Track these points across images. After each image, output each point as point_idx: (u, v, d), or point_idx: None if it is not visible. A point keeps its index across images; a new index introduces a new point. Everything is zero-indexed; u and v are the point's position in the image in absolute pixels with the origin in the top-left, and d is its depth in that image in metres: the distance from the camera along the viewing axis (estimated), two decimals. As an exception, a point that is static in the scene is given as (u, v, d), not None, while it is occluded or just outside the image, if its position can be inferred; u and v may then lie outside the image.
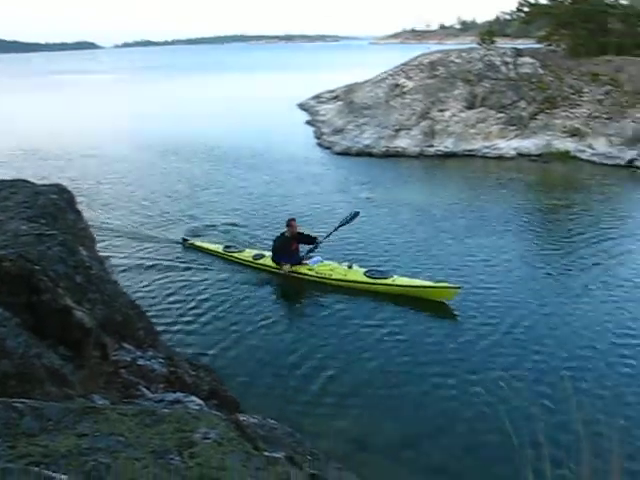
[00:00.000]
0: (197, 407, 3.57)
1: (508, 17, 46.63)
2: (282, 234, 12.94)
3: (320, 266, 12.65)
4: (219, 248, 14.14)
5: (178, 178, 22.03)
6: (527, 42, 47.18)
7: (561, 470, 3.17)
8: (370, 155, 26.13)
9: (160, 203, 18.58)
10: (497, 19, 64.97)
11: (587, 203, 18.79)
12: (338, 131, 29.58)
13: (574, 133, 26.20)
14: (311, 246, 13.05)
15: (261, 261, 13.37)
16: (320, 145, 28.37)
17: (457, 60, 32.07)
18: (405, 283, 11.84)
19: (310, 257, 12.89)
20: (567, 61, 31.22)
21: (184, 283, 12.51)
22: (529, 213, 18.13)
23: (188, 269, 13.29)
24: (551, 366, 9.18)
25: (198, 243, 14.57)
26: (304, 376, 9.00)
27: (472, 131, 27.44)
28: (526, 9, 36.94)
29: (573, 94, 28.49)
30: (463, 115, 28.31)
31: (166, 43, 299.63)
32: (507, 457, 5.95)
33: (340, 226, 13.45)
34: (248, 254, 13.71)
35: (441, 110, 28.84)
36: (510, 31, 58.22)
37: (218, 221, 16.72)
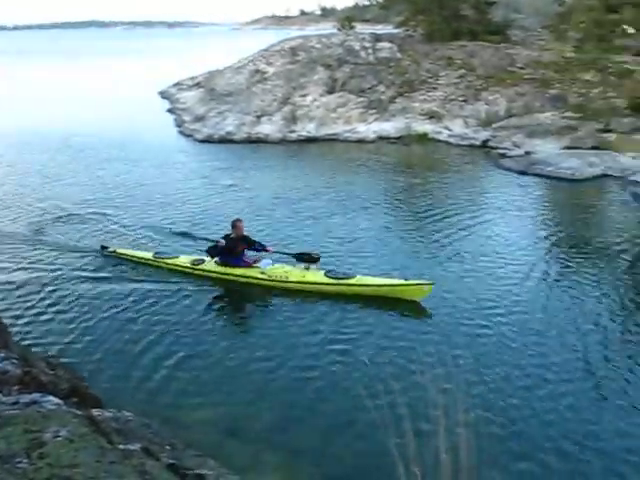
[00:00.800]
0: (54, 407, 3.25)
1: (367, 3, 47.31)
2: (227, 235, 11.78)
3: (273, 269, 11.56)
4: (148, 255, 12.65)
5: (26, 170, 20.73)
6: (386, 27, 48.07)
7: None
8: (232, 142, 25.71)
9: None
10: (356, 5, 66.17)
11: (444, 181, 19.40)
12: (200, 118, 28.92)
13: (432, 115, 26.83)
14: (258, 251, 12.03)
15: (202, 266, 12.06)
16: (182, 133, 27.68)
17: (317, 45, 32.16)
18: (372, 282, 11.03)
19: (259, 260, 11.80)
20: (424, 46, 32.02)
21: (101, 294, 11.26)
22: (389, 193, 18.51)
23: (105, 279, 11.95)
24: (403, 338, 9.30)
25: (122, 251, 12.96)
26: (180, 369, 8.75)
27: (333, 115, 27.54)
28: (383, -5, 37.55)
29: (430, 78, 29.18)
30: (324, 100, 28.37)
31: (16, 28, 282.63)
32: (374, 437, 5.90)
33: (293, 255, 11.92)
34: (185, 260, 12.31)
35: (302, 95, 28.78)
36: (369, 17, 59.20)
37: (76, 214, 15.81)
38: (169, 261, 12.39)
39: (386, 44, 31.77)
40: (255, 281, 11.56)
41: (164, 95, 37.99)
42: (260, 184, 18.73)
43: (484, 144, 24.26)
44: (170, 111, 32.82)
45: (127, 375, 8.54)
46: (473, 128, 25.60)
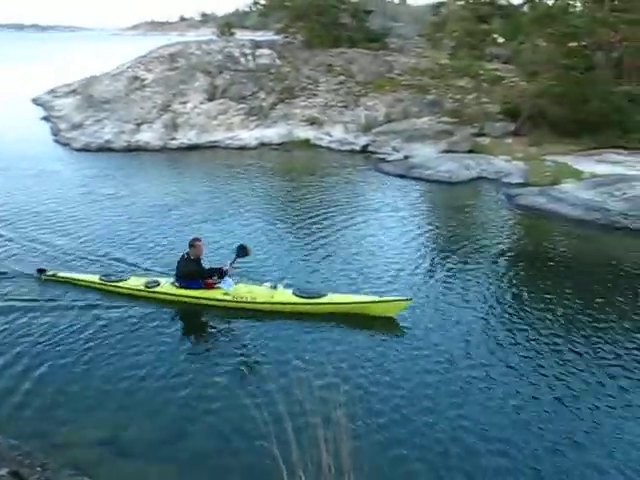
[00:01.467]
0: None
1: (247, 9, 47.15)
2: (184, 256, 10.85)
3: (237, 289, 10.75)
4: (94, 278, 11.53)
5: None
6: (266, 34, 48.09)
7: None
8: (111, 150, 24.81)
9: None
10: (236, 11, 65.90)
11: (325, 186, 19.48)
12: (77, 126, 27.77)
13: (313, 121, 26.96)
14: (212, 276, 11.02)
15: (158, 289, 11.02)
16: (58, 142, 26.41)
17: (197, 52, 31.70)
18: (344, 300, 10.59)
19: (219, 280, 10.87)
20: (304, 52, 32.20)
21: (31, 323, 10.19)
22: (269, 198, 18.46)
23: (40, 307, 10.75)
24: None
25: (63, 274, 11.74)
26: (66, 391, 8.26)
27: (214, 123, 27.18)
28: (263, 2, 37.51)
29: (310, 84, 29.36)
30: (204, 107, 27.95)
31: None
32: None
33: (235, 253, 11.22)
34: (137, 282, 11.27)
35: (182, 102, 28.23)
36: (249, 23, 59.07)
37: None
38: (119, 284, 11.30)
39: (266, 51, 31.74)
40: (218, 303, 10.74)
41: (38, 102, 36.29)
42: (138, 192, 18.14)
43: (364, 149, 24.61)
44: (45, 119, 31.35)
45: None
46: (353, 133, 25.91)
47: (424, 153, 22.73)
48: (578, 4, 28.80)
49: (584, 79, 22.70)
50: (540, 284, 12.15)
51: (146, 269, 12.11)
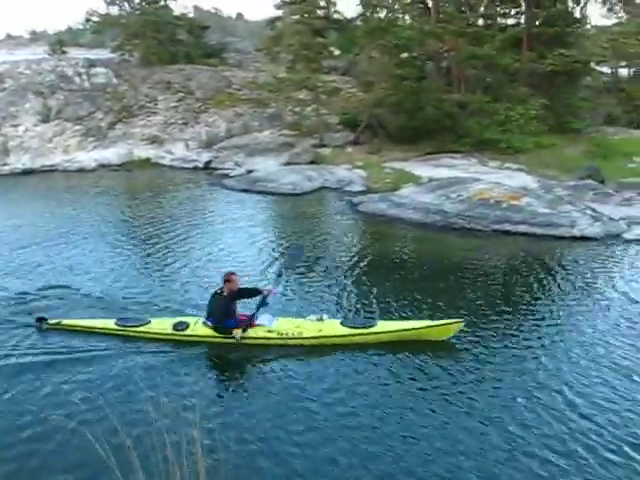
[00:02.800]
0: None
1: (81, 27, 45.39)
2: (217, 293, 9.87)
3: (280, 324, 9.93)
4: (108, 323, 10.29)
5: None
6: (102, 52, 46.50)
7: None
8: None
9: None
10: (69, 29, 63.36)
11: (168, 205, 19.00)
12: None
13: (153, 140, 26.33)
14: (258, 299, 10.02)
15: (188, 332, 9.95)
16: None
17: (27, 71, 30.00)
18: (397, 327, 10.06)
19: (258, 316, 9.88)
20: (141, 70, 31.35)
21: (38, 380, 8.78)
22: (112, 220, 17.60)
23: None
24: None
25: (69, 322, 10.42)
26: None
27: (50, 145, 25.88)
28: (95, 19, 36.24)
29: (149, 102, 28.66)
30: (38, 129, 26.55)
31: None
32: None
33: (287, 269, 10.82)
34: (162, 325, 10.14)
35: (14, 125, 26.64)
36: (84, 41, 56.90)
37: None
38: (141, 328, 10.11)
39: (101, 69, 30.59)
40: (261, 341, 9.81)
41: None
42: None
43: (207, 165, 24.29)
44: None
45: None
46: (195, 150, 25.54)
47: (267, 166, 22.73)
48: (407, 17, 30.01)
49: (417, 88, 23.61)
50: (388, 285, 12.36)
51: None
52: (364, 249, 14.97)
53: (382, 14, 26.32)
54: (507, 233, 16.02)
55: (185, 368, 9.06)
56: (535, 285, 12.59)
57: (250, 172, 22.40)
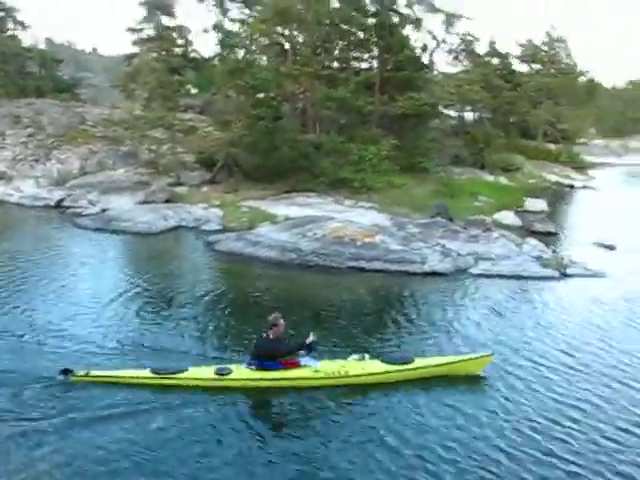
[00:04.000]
0: None
1: None
2: (263, 336, 9.83)
3: (325, 365, 9.99)
4: (143, 372, 9.64)
5: None
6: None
7: None
8: None
9: None
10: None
11: (15, 248, 17.86)
12: None
13: (1, 177, 25.07)
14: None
15: (234, 375, 9.65)
16: None
17: None
18: (434, 363, 10.41)
19: (298, 358, 9.93)
20: (-13, 103, 29.94)
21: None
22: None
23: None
24: None
25: (98, 373, 9.63)
26: None
27: None
28: None
29: (-4, 137, 27.36)
30: None
31: None
32: None
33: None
34: (203, 371, 9.77)
35: None
36: None
37: None
38: (179, 375, 9.63)
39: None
40: (307, 382, 9.79)
41: None
42: None
43: (59, 204, 23.37)
44: None
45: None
46: (47, 188, 24.57)
47: (121, 205, 22.21)
48: (265, 58, 30.51)
49: (273, 128, 23.90)
50: (245, 323, 12.21)
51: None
52: (220, 288, 14.85)
53: (240, 55, 26.57)
54: (362, 270, 16.41)
55: (236, 415, 8.86)
56: (387, 319, 12.98)
57: (104, 211, 21.79)
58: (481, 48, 42.02)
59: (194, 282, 15.20)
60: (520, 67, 47.39)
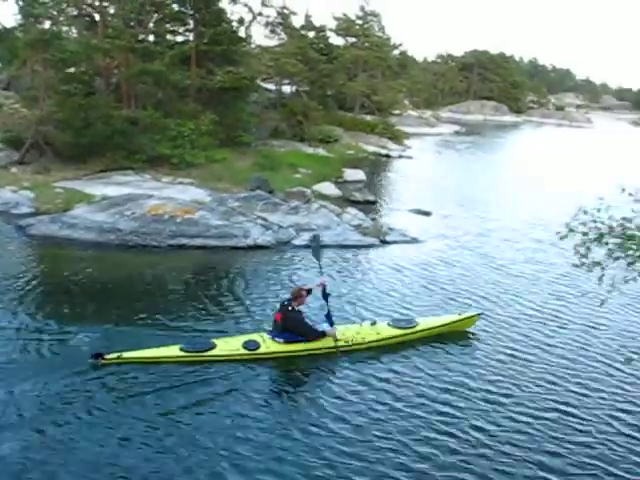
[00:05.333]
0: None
1: None
2: (290, 309, 10.48)
3: (344, 333, 10.85)
4: (173, 351, 10.01)
5: None
6: None
7: None
8: None
9: None
10: None
11: None
12: None
13: None
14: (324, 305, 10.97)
15: (262, 349, 10.28)
16: None
17: None
18: (436, 323, 11.73)
19: (321, 326, 10.75)
20: None
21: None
22: None
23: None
24: None
25: (129, 355, 9.80)
26: None
27: None
28: None
29: None
30: None
31: None
32: None
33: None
34: (231, 346, 10.23)
35: None
36: None
37: None
38: (210, 352, 10.04)
39: None
40: (330, 350, 10.56)
41: None
42: None
43: None
44: None
45: None
46: None
47: None
48: (74, 30, 29.14)
49: (85, 104, 22.91)
50: (64, 310, 11.91)
51: None
52: (34, 274, 14.12)
53: (45, 25, 25.10)
54: (183, 247, 16.40)
55: (266, 385, 9.79)
56: (211, 295, 13.17)
57: None
58: (298, 21, 42.63)
59: (3, 269, 14.39)
60: (336, 40, 48.45)
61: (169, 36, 30.81)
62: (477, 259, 17.03)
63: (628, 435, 8.73)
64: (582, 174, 35.15)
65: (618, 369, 10.71)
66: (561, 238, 7.44)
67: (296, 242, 17.35)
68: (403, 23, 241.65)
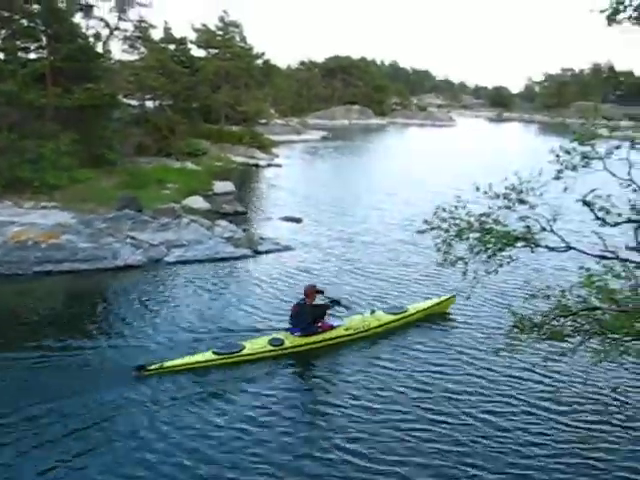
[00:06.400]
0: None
1: None
2: (305, 304, 11.88)
3: (350, 323, 12.34)
4: (207, 355, 10.94)
5: None
6: None
7: None
8: None
9: None
10: None
11: None
12: None
13: None
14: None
15: (286, 345, 11.52)
16: None
17: None
18: (422, 307, 13.42)
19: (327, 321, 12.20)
20: None
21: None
22: None
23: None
24: None
25: (170, 364, 10.63)
26: None
27: None
28: None
29: None
30: None
31: None
32: None
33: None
34: (259, 345, 11.38)
35: None
36: None
37: None
38: (240, 353, 11.10)
39: None
40: (343, 339, 12.03)
41: None
42: None
43: None
44: None
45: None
46: None
47: None
48: None
49: None
50: None
51: None
52: None
53: None
54: (51, 273, 15.96)
55: (291, 377, 11.15)
56: (76, 319, 13.07)
57: None
58: (157, 34, 42.02)
59: None
60: (198, 52, 48.10)
61: (21, 53, 29.53)
62: (344, 265, 17.54)
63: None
64: (443, 174, 36.75)
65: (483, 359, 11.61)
66: (419, 232, 8.02)
67: (168, 259, 17.23)
68: (264, 31, 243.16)
